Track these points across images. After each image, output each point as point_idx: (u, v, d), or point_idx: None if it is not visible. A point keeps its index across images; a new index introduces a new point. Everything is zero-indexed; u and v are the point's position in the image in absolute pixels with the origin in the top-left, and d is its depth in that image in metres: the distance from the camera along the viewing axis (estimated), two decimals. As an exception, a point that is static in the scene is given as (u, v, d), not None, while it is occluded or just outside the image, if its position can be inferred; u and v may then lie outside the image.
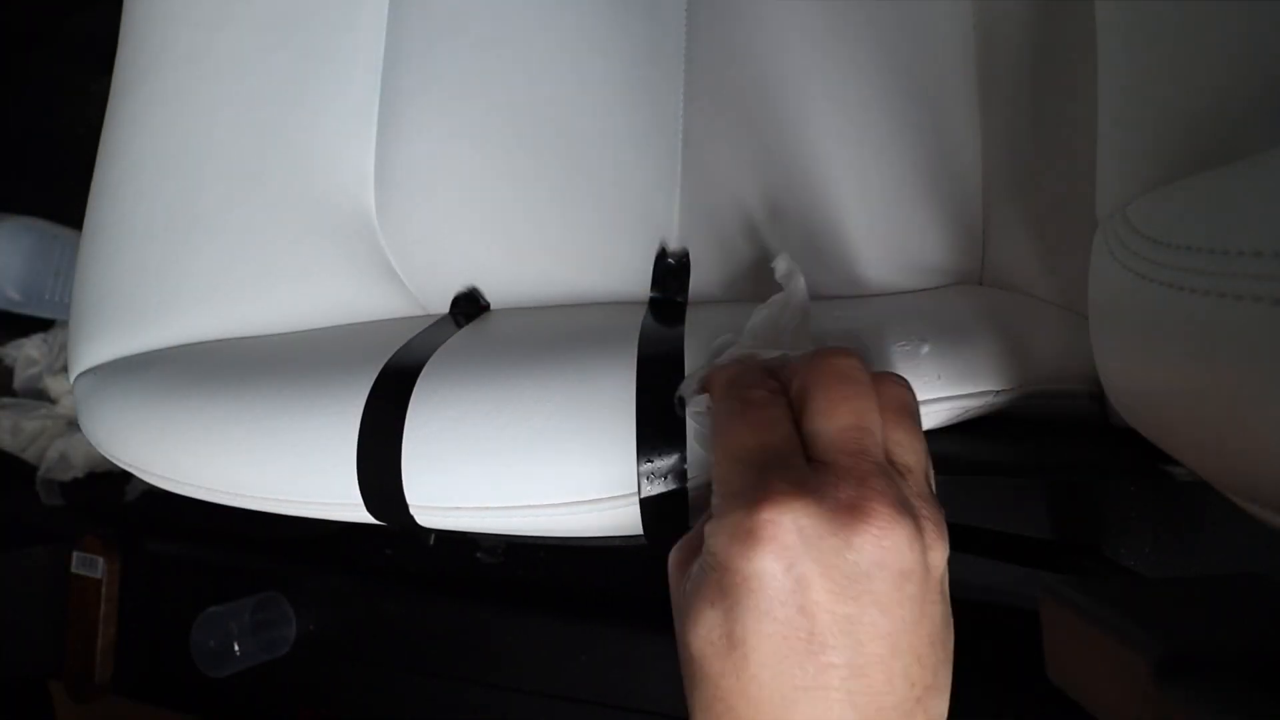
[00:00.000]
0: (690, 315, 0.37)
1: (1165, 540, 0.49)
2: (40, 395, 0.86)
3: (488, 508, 0.31)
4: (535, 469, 0.30)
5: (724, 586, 0.21)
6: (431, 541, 0.68)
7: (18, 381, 0.85)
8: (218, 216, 0.42)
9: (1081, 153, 0.29)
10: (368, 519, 0.35)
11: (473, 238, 0.42)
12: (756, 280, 0.40)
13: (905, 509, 0.21)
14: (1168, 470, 0.30)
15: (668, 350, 0.31)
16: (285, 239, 0.43)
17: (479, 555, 0.67)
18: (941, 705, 0.22)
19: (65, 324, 0.62)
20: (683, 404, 0.29)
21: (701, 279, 0.39)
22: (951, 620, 0.23)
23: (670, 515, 0.30)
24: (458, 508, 0.32)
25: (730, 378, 0.26)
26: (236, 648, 0.66)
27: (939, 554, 0.22)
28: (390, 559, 0.71)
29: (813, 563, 0.21)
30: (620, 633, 0.59)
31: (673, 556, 0.26)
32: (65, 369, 0.61)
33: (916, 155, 0.38)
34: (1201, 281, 0.18)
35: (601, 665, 0.59)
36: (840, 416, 0.23)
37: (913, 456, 0.24)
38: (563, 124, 0.41)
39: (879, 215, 0.38)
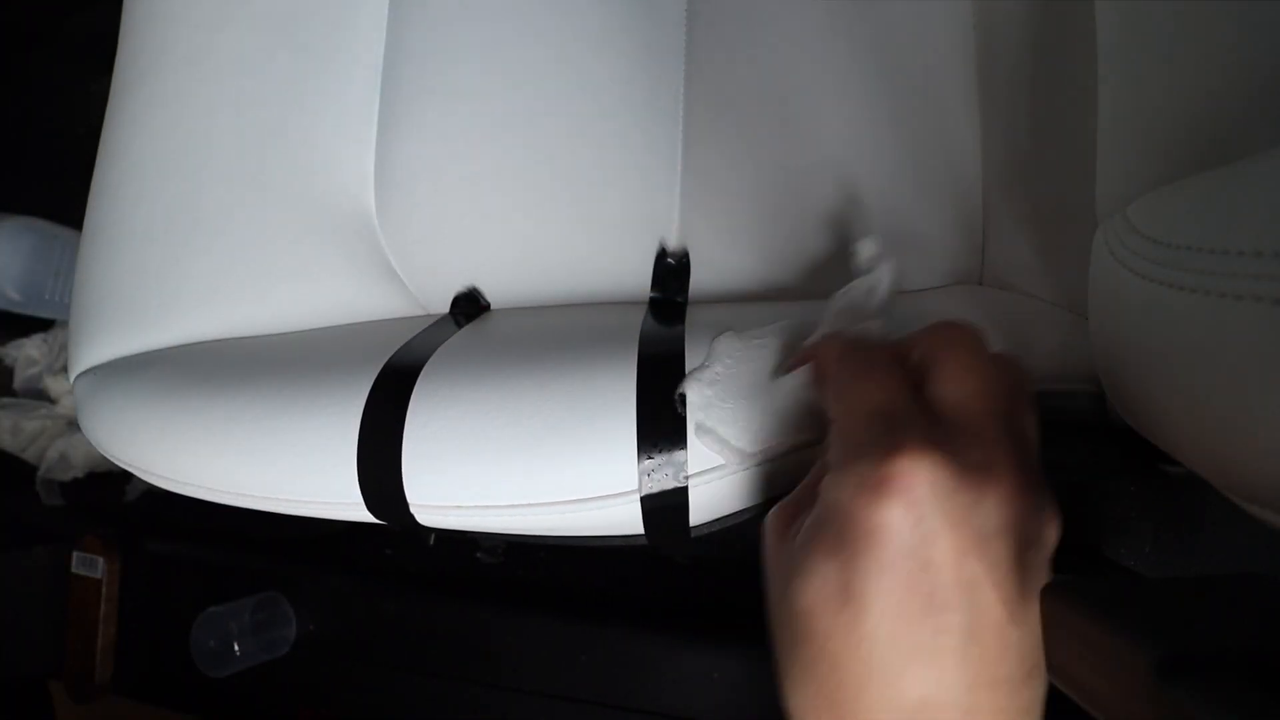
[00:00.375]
0: (690, 315, 0.37)
1: (1165, 540, 0.49)
2: (40, 395, 0.86)
3: (488, 506, 0.31)
4: (535, 468, 0.30)
5: (844, 538, 0.21)
6: (431, 541, 0.68)
7: (18, 381, 0.85)
8: (218, 217, 0.42)
9: (1081, 153, 0.29)
10: (368, 519, 0.35)
11: (473, 238, 0.42)
12: (757, 280, 0.40)
13: (1033, 477, 0.21)
14: (1168, 470, 0.30)
15: (668, 350, 0.31)
16: (285, 239, 0.43)
17: (479, 555, 0.67)
18: (1042, 692, 0.21)
19: (65, 324, 0.62)
20: (683, 402, 0.29)
21: (701, 279, 0.39)
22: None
23: (670, 513, 0.30)
24: (458, 506, 0.32)
25: (847, 343, 0.26)
26: (236, 648, 0.65)
27: (1054, 530, 0.22)
28: (390, 559, 0.71)
29: (942, 518, 0.20)
30: (620, 633, 0.59)
31: (773, 516, 0.25)
32: (65, 369, 0.61)
33: (916, 155, 0.38)
34: (1201, 281, 0.18)
35: (601, 665, 0.59)
36: (969, 382, 0.23)
37: (1032, 432, 0.23)
38: (562, 124, 0.41)
39: (879, 215, 0.38)
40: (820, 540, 0.21)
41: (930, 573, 0.20)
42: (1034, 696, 0.21)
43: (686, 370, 0.30)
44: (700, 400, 0.29)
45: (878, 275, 0.30)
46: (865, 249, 0.31)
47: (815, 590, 0.21)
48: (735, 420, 0.29)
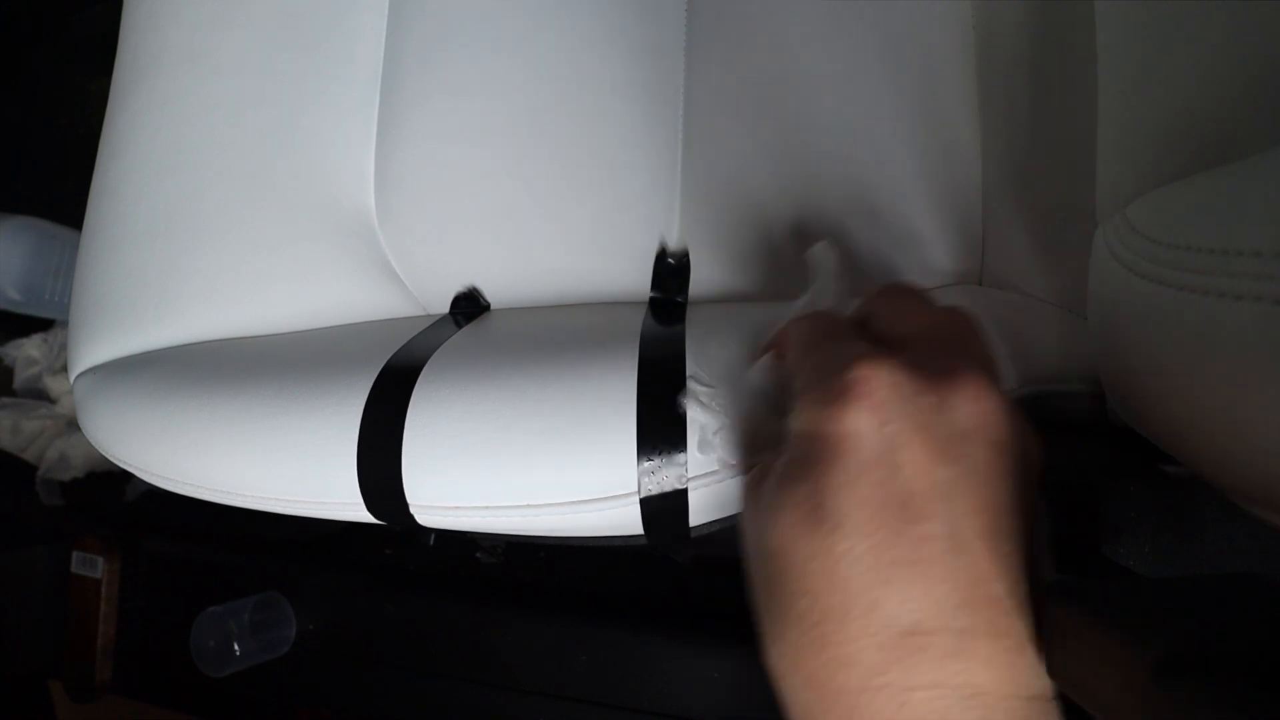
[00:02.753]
0: (690, 315, 0.37)
1: (1165, 540, 0.49)
2: (40, 395, 0.86)
3: (488, 507, 0.31)
4: (536, 468, 0.30)
5: (811, 457, 0.20)
6: (431, 541, 0.68)
7: (18, 381, 0.85)
8: (218, 217, 0.42)
9: (1081, 153, 0.29)
10: (368, 519, 0.35)
11: (473, 238, 0.42)
12: (757, 280, 0.40)
13: (999, 390, 0.20)
14: (1168, 470, 0.30)
15: (668, 351, 0.31)
16: (285, 239, 0.43)
17: (479, 555, 0.67)
18: (1032, 625, 0.19)
19: (65, 324, 0.62)
20: (683, 403, 0.29)
21: (701, 279, 0.39)
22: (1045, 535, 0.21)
23: (671, 514, 0.30)
24: (458, 507, 0.32)
25: (802, 318, 0.25)
26: (236, 648, 0.65)
27: (1035, 447, 0.21)
28: (390, 559, 0.71)
29: (907, 419, 0.19)
30: (620, 633, 0.59)
31: (748, 482, 0.24)
32: (65, 369, 0.61)
33: (916, 155, 0.38)
34: (1201, 281, 0.18)
35: (601, 665, 0.59)
36: (917, 319, 0.23)
37: (992, 368, 0.23)
38: (562, 124, 0.41)
39: (879, 215, 0.38)
40: (788, 471, 0.21)
41: (902, 479, 0.19)
42: (1029, 625, 0.19)
43: (688, 371, 0.30)
44: (700, 416, 0.29)
45: (824, 269, 0.30)
46: (816, 253, 0.31)
47: (788, 521, 0.20)
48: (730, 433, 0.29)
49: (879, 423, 0.19)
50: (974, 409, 0.19)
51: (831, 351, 0.21)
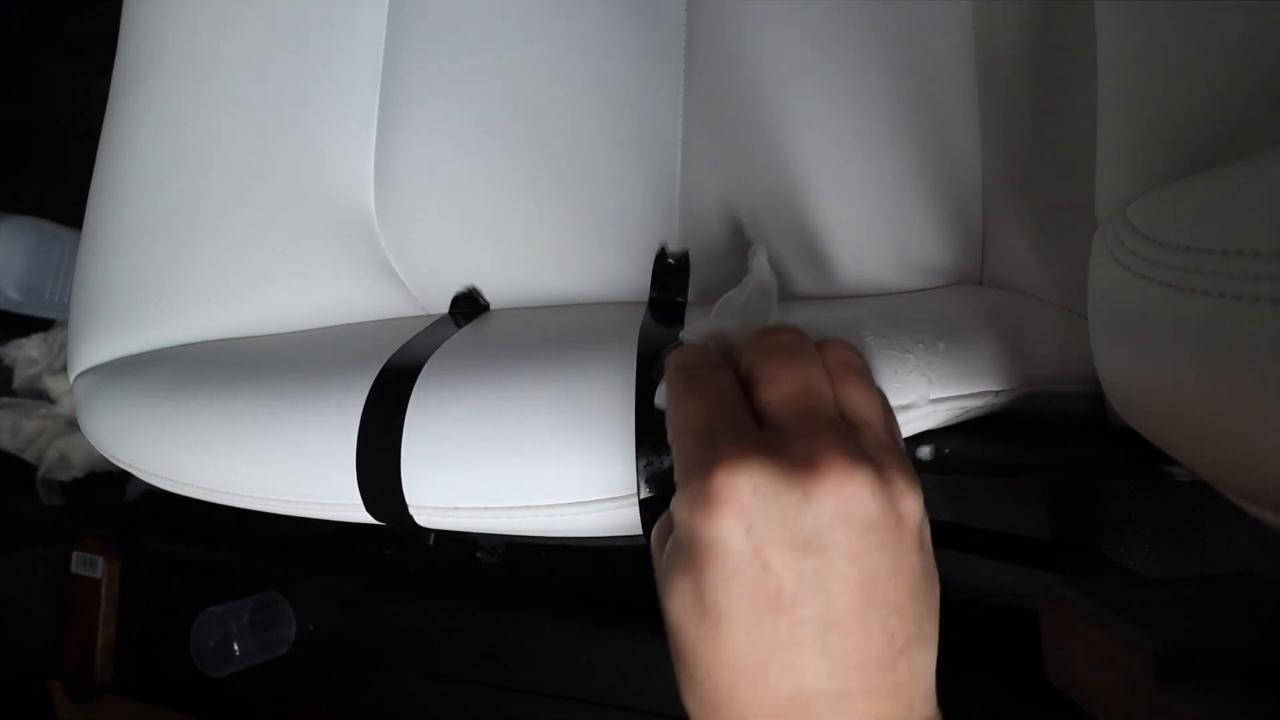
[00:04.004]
0: (690, 315, 0.37)
1: (1165, 540, 0.49)
2: (40, 395, 0.86)
3: (488, 508, 0.31)
4: (535, 469, 0.30)
5: (690, 554, 0.22)
6: (431, 541, 0.68)
7: (18, 381, 0.85)
8: (218, 216, 0.42)
9: (1081, 153, 0.29)
10: (368, 519, 0.35)
11: (472, 238, 0.42)
12: (756, 280, 0.40)
13: (864, 459, 0.21)
14: (1168, 470, 0.30)
15: (668, 350, 0.31)
16: (285, 239, 0.43)
17: (479, 555, 0.67)
18: (927, 659, 0.22)
19: (65, 324, 0.62)
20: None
21: (701, 279, 0.39)
22: (935, 573, 0.23)
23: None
24: (457, 508, 0.32)
25: (677, 360, 0.26)
26: (236, 648, 0.66)
27: (911, 502, 0.22)
28: (390, 559, 0.71)
29: (772, 519, 0.21)
30: (620, 633, 0.59)
31: (654, 534, 0.26)
32: (65, 369, 0.61)
33: (916, 155, 0.38)
34: (1201, 281, 0.18)
35: (601, 665, 0.59)
36: (785, 384, 0.23)
37: (868, 410, 0.24)
38: (563, 124, 0.41)
39: (879, 215, 0.38)
40: (673, 559, 0.22)
41: (772, 574, 0.20)
42: (913, 668, 0.21)
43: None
44: (660, 393, 0.29)
45: (753, 270, 0.30)
46: (752, 252, 0.31)
47: (677, 606, 0.22)
48: None
49: (745, 527, 0.21)
50: (835, 499, 0.21)
51: (701, 439, 0.23)
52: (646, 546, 0.32)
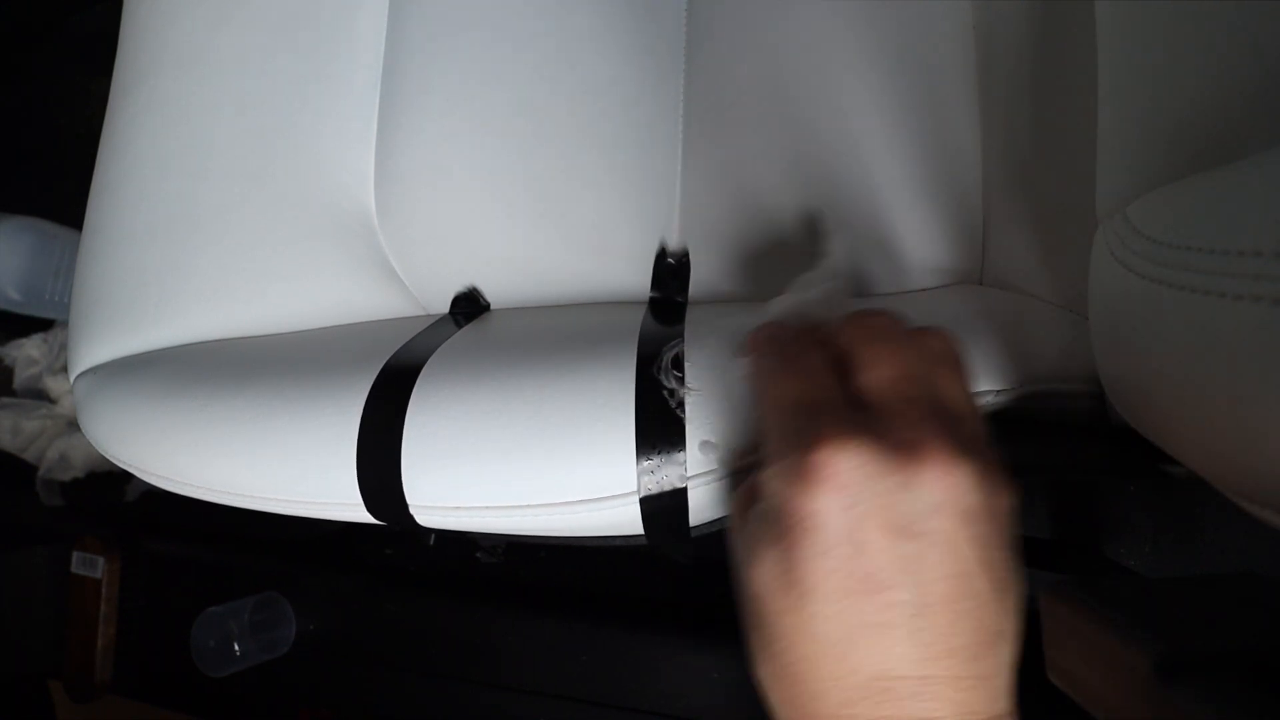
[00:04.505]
0: (690, 315, 0.37)
1: (1165, 540, 0.49)
2: (40, 395, 0.86)
3: (488, 507, 0.31)
4: (535, 469, 0.30)
5: (781, 527, 0.21)
6: (431, 541, 0.68)
7: (18, 381, 0.85)
8: (218, 216, 0.42)
9: (1081, 153, 0.29)
10: (368, 519, 0.35)
11: (473, 238, 0.42)
12: (757, 280, 0.40)
13: (967, 448, 0.21)
14: (1168, 470, 0.30)
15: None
16: (286, 239, 0.43)
17: (479, 555, 0.67)
18: (1009, 654, 0.22)
19: (65, 324, 0.62)
20: (682, 406, 0.29)
21: (701, 279, 0.39)
22: (1017, 572, 0.23)
23: (670, 514, 0.30)
24: (458, 507, 0.32)
25: (770, 334, 0.26)
26: (236, 648, 0.65)
27: (1007, 498, 0.22)
28: (390, 559, 0.71)
29: (872, 500, 0.20)
30: (620, 633, 0.59)
31: (735, 502, 0.26)
32: (65, 369, 0.61)
33: (916, 155, 0.38)
34: (1201, 281, 0.18)
35: (601, 665, 0.59)
36: (886, 369, 0.23)
37: (965, 404, 0.23)
38: (562, 124, 0.41)
39: (879, 215, 0.38)
40: (762, 530, 0.22)
41: (867, 554, 0.20)
42: (997, 662, 0.21)
43: (688, 371, 0.30)
44: (742, 365, 0.29)
45: (827, 266, 0.29)
46: (826, 241, 0.30)
47: (763, 577, 0.22)
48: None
49: (844, 506, 0.21)
50: (937, 487, 0.21)
51: (801, 414, 0.22)
52: (646, 546, 0.32)
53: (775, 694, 0.22)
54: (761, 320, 0.29)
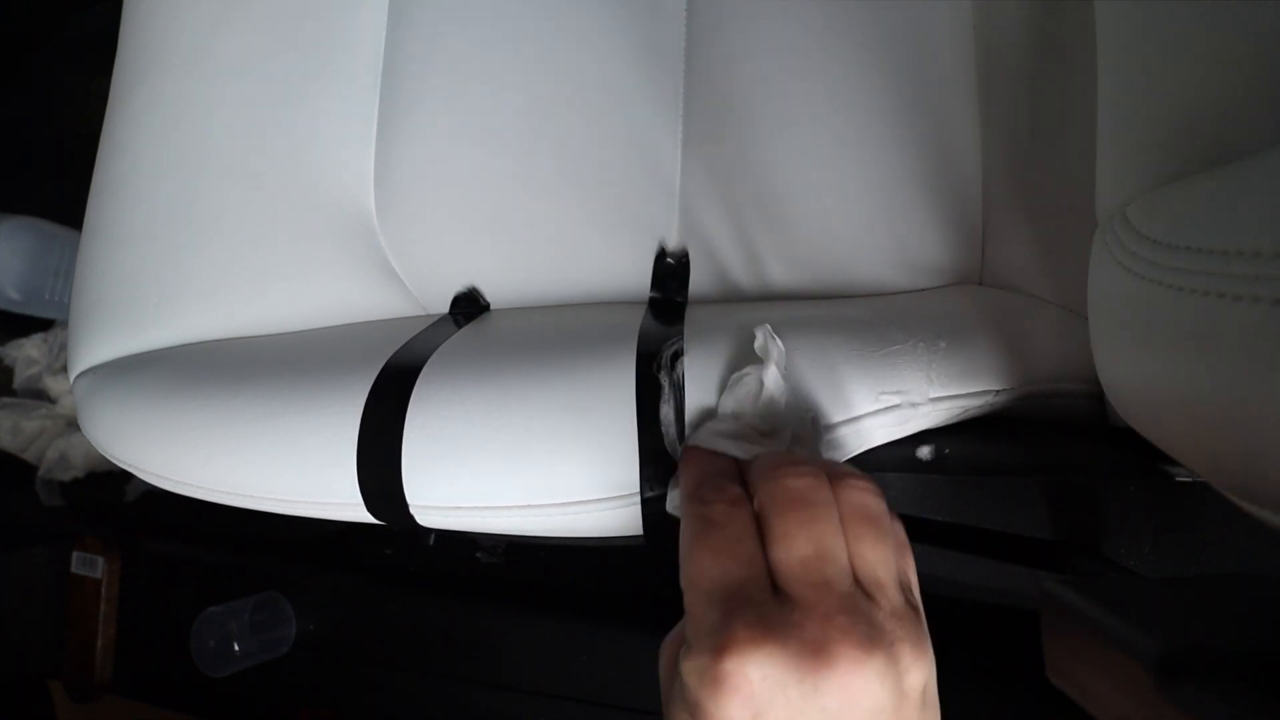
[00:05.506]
0: (690, 315, 0.37)
1: (1165, 540, 0.49)
2: (40, 395, 0.86)
3: (488, 507, 0.31)
4: (535, 469, 0.30)
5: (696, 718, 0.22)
6: (431, 541, 0.68)
7: (18, 381, 0.85)
8: (218, 216, 0.42)
9: (1081, 153, 0.29)
10: (368, 519, 0.35)
11: (472, 238, 0.42)
12: (756, 280, 0.40)
13: (874, 641, 0.21)
14: (1168, 470, 0.30)
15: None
16: (285, 239, 0.43)
17: (479, 555, 0.67)
18: None
19: (65, 324, 0.62)
20: (682, 405, 0.29)
21: (701, 279, 0.39)
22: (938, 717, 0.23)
23: (671, 515, 0.30)
24: (458, 507, 0.32)
25: (694, 483, 0.26)
26: (236, 648, 0.65)
27: (917, 674, 0.22)
28: (390, 559, 0.71)
29: (779, 710, 0.21)
30: (620, 633, 0.59)
31: (663, 651, 0.26)
32: (65, 369, 0.61)
33: (916, 156, 0.38)
34: (1201, 281, 0.18)
35: (601, 665, 0.59)
36: (799, 545, 0.23)
37: (882, 569, 0.23)
38: (562, 125, 0.41)
39: (879, 215, 0.38)
40: (678, 712, 0.23)
41: None
42: None
43: (687, 373, 0.30)
44: (674, 499, 0.29)
45: (766, 373, 0.28)
46: (757, 337, 0.29)
47: None
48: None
49: (751, 714, 0.21)
50: (844, 692, 0.21)
51: (717, 604, 0.23)
52: (646, 547, 0.32)
53: None
54: (690, 443, 0.28)
